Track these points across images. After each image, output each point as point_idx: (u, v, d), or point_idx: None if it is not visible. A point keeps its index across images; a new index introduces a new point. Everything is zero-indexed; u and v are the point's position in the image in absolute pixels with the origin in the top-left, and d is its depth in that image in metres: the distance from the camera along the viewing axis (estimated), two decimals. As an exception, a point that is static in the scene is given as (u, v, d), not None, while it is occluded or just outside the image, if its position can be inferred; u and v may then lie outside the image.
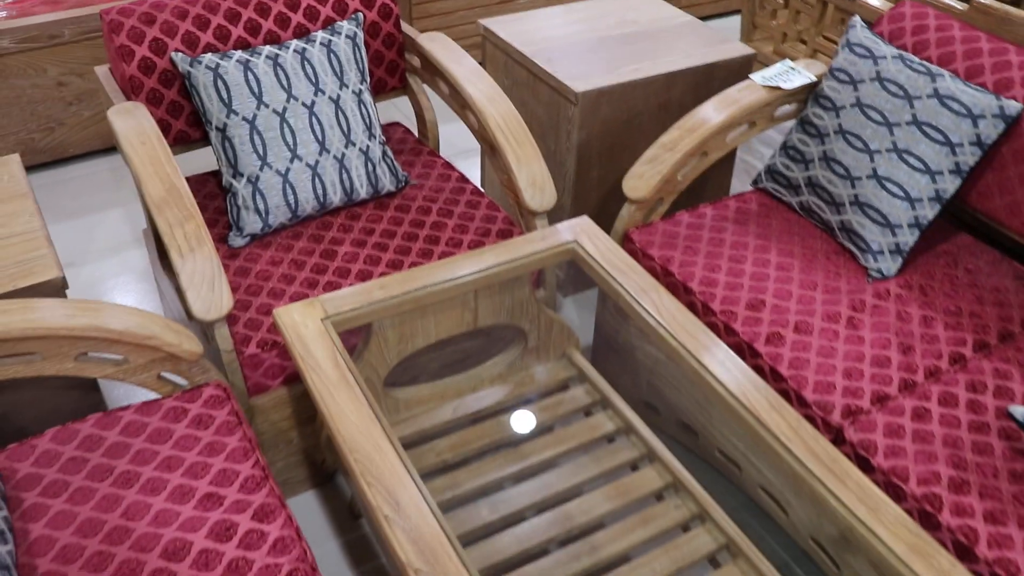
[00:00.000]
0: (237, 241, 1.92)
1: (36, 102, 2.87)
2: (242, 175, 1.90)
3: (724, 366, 1.51)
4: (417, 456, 1.72)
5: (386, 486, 1.29)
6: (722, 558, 1.58)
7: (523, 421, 1.80)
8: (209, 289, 1.62)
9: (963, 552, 1.43)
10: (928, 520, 1.47)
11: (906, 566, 1.22)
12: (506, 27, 2.42)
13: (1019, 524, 1.44)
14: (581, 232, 1.80)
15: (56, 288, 1.61)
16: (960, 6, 2.12)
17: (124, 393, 2.21)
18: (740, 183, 2.86)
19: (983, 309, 1.85)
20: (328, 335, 1.52)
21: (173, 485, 1.43)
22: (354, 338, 1.79)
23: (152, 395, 2.16)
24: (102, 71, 2.04)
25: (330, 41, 2.00)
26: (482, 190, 2.17)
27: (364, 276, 1.87)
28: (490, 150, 2.03)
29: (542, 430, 1.80)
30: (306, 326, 1.54)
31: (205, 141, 2.07)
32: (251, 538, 1.35)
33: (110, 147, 3.13)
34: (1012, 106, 1.82)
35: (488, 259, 1.71)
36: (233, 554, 1.34)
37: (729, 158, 2.49)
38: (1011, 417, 1.54)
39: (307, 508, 1.94)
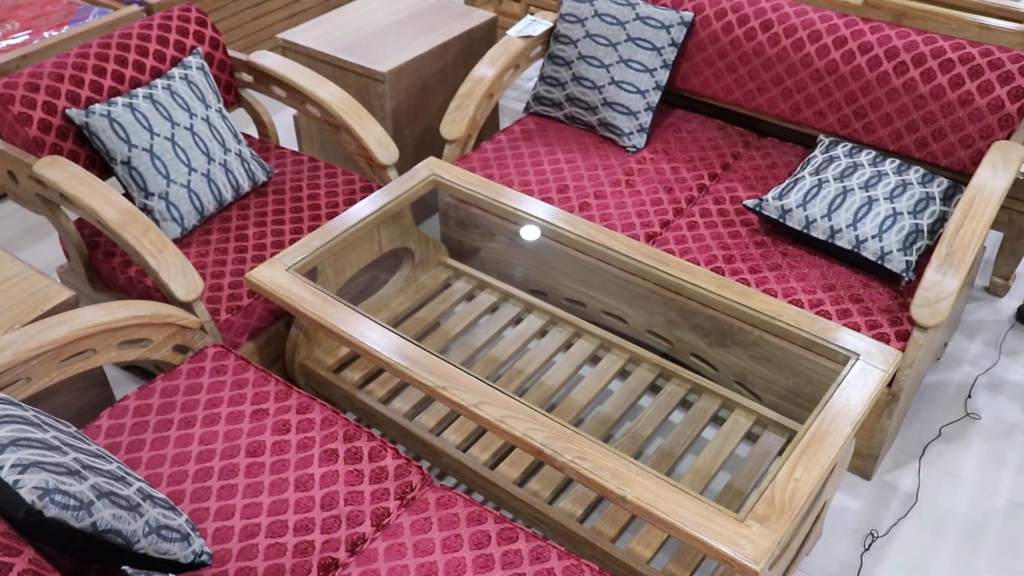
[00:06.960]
0: (165, 247, 2.37)
1: None
2: (154, 194, 2.34)
3: (568, 222, 2.22)
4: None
5: (397, 350, 1.88)
6: (629, 367, 2.31)
7: (429, 313, 2.42)
8: (183, 277, 2.10)
9: (742, 296, 2.25)
10: (717, 284, 2.28)
11: (717, 295, 2.00)
12: (302, 35, 2.96)
13: (770, 269, 2.28)
14: (435, 168, 2.43)
15: (72, 305, 2.01)
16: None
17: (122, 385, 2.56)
18: (504, 117, 3.58)
19: (706, 154, 2.70)
20: (297, 278, 2.06)
21: (225, 414, 1.93)
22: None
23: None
24: (-6, 140, 2.37)
25: (186, 75, 2.47)
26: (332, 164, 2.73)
27: (277, 245, 2.39)
28: (335, 129, 2.60)
29: (439, 318, 2.44)
30: (276, 278, 2.07)
31: (102, 176, 2.46)
32: (304, 424, 1.89)
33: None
34: (687, 15, 2.66)
35: (380, 200, 2.30)
36: (297, 438, 1.87)
37: (496, 98, 3.20)
38: (746, 208, 2.39)
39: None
